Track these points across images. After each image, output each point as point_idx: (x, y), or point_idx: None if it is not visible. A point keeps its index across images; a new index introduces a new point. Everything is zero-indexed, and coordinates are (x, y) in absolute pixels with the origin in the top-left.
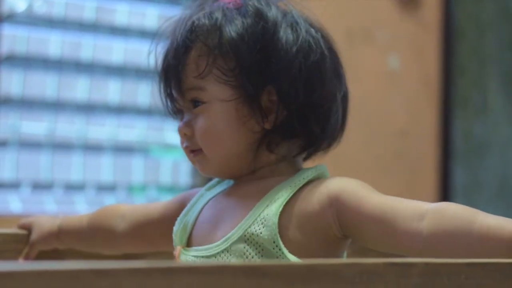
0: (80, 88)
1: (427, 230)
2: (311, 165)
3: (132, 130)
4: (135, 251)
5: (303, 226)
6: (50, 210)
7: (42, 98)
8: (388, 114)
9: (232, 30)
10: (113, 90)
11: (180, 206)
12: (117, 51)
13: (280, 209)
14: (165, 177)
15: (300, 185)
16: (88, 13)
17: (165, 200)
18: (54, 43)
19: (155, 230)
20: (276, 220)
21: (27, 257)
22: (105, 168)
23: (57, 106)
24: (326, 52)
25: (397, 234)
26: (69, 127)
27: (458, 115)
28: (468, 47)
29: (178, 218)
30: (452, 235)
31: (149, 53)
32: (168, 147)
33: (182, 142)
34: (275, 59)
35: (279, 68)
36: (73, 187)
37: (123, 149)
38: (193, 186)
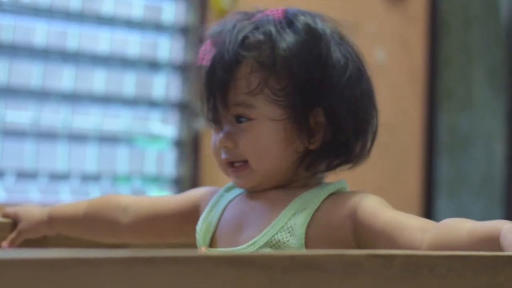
0: (65, 78)
1: (428, 240)
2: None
3: (117, 120)
4: (138, 242)
5: (326, 237)
6: (34, 199)
7: (27, 87)
8: None
9: (286, 48)
10: (98, 80)
11: (193, 206)
12: (103, 40)
13: (308, 220)
14: (150, 168)
15: (324, 197)
16: (74, 3)
17: (175, 196)
18: (40, 32)
19: (163, 226)
20: (303, 230)
21: (11, 244)
22: (89, 158)
23: (42, 95)
24: (367, 77)
25: (402, 245)
26: (54, 116)
27: (443, 108)
28: (453, 41)
29: (201, 218)
30: (446, 242)
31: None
32: (153, 138)
33: (217, 152)
34: (327, 81)
35: (330, 90)
36: (57, 177)
37: (108, 139)
38: (178, 177)
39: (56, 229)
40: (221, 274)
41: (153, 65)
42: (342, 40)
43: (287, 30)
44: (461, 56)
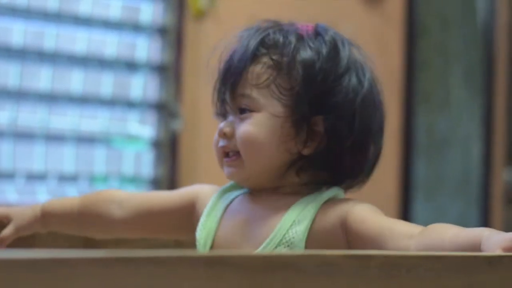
0: (42, 78)
1: (413, 247)
2: None
3: (95, 121)
4: (132, 237)
5: (322, 245)
6: (11, 200)
7: (4, 87)
8: None
9: (305, 54)
10: (76, 80)
11: (189, 204)
12: (80, 41)
13: (307, 233)
14: (127, 168)
15: (319, 205)
16: (51, 3)
17: (171, 192)
18: (17, 32)
19: (158, 222)
20: (303, 244)
21: (2, 242)
22: (67, 158)
23: (19, 95)
24: (379, 107)
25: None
26: (31, 116)
27: (420, 110)
28: (431, 43)
29: (200, 224)
30: (430, 249)
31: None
32: (130, 138)
33: (217, 142)
34: (335, 96)
35: (336, 105)
36: (34, 177)
37: (86, 140)
38: (155, 178)
39: (50, 226)
40: (199, 274)
41: (130, 66)
42: (362, 66)
43: (312, 39)
44: (439, 58)
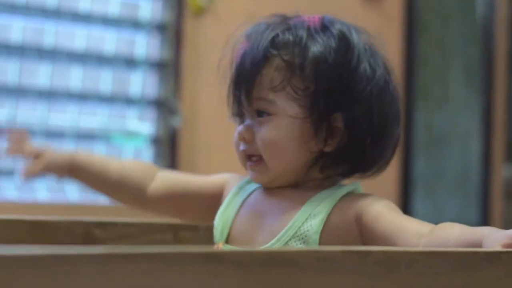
0: (42, 75)
1: (422, 245)
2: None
3: (94, 117)
4: (159, 215)
5: (338, 241)
6: (11, 197)
7: (3, 83)
8: None
9: (316, 51)
10: (75, 77)
11: (220, 190)
12: (79, 37)
13: (321, 227)
14: None
15: (337, 200)
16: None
17: (204, 177)
18: (16, 29)
19: (190, 203)
20: (317, 238)
21: (31, 172)
22: None
23: (18, 92)
24: (394, 92)
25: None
26: (30, 113)
27: (420, 107)
28: (430, 39)
29: (219, 213)
30: (437, 246)
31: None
32: (129, 135)
33: (237, 145)
34: (351, 90)
35: (353, 99)
36: None
37: (85, 136)
38: None
39: (78, 177)
40: (197, 270)
41: (129, 62)
42: (373, 52)
43: (320, 34)
44: (438, 55)
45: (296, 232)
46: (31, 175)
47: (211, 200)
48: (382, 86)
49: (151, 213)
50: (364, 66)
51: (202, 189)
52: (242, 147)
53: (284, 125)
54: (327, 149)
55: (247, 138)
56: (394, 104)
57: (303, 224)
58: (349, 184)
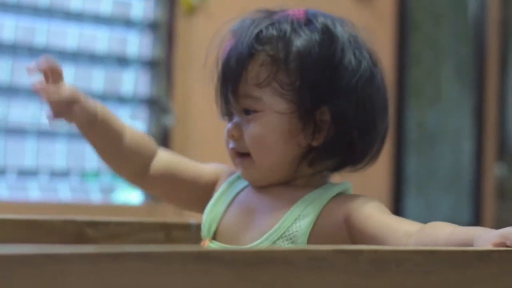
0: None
1: (411, 244)
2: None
3: None
4: (153, 194)
5: (325, 241)
6: (2, 196)
7: None
8: None
9: (300, 45)
10: (67, 76)
11: (215, 180)
12: (71, 36)
13: (310, 228)
14: None
15: (326, 201)
16: None
17: (202, 164)
18: (8, 28)
19: (185, 187)
20: (305, 239)
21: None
22: (58, 154)
23: (10, 91)
24: (381, 83)
25: None
26: (22, 112)
27: (411, 105)
28: (422, 38)
29: (207, 208)
30: (426, 245)
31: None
32: None
33: (227, 143)
34: (337, 82)
35: (339, 91)
36: (26, 173)
37: (77, 135)
38: None
39: (99, 128)
40: (188, 270)
41: (122, 61)
42: (358, 44)
43: (304, 28)
44: (429, 53)
45: (284, 232)
46: (59, 114)
47: (204, 191)
48: (368, 77)
49: (145, 189)
50: (349, 58)
51: (199, 177)
52: (231, 145)
53: (271, 121)
54: (315, 143)
55: (236, 135)
56: (381, 94)
57: (292, 224)
58: (339, 184)
